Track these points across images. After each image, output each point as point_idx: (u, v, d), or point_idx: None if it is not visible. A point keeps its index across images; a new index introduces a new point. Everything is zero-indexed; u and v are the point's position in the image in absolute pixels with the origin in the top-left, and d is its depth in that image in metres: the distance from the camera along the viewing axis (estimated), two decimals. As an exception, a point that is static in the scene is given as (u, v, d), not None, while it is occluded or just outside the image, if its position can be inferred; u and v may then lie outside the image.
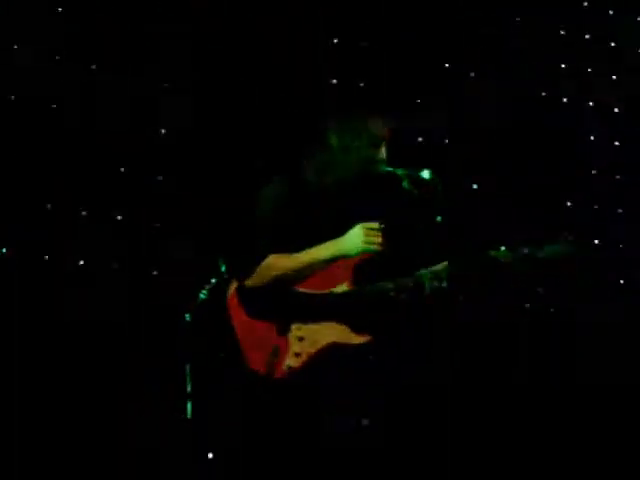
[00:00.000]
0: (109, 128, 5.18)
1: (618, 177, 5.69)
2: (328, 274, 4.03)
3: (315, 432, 3.98)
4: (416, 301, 4.00)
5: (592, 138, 5.73)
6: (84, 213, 5.16)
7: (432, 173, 4.00)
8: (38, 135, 5.11)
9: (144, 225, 5.24)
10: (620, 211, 5.65)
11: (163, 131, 5.27)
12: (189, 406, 4.57)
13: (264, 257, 4.00)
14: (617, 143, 5.71)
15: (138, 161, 5.22)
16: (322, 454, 3.98)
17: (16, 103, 5.08)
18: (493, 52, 5.60)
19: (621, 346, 5.36)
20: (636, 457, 5.12)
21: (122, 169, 5.20)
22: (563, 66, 5.69)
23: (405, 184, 4.04)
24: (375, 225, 4.02)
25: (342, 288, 4.04)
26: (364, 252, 4.00)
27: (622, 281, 5.60)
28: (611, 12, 5.60)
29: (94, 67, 5.15)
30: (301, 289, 4.04)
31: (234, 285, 4.12)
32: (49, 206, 5.14)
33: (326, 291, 4.04)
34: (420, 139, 5.54)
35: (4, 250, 5.06)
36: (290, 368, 3.98)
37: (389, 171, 4.08)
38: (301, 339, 4.00)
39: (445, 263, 4.01)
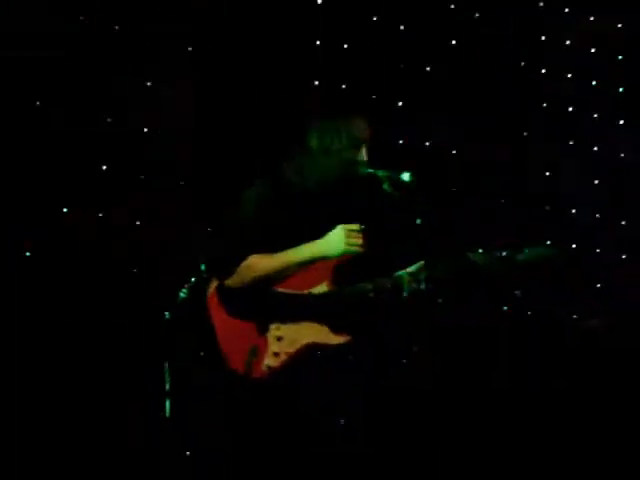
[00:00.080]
0: (91, 127, 5.19)
1: (597, 182, 5.74)
2: (308, 274, 4.04)
3: (294, 432, 3.99)
4: (395, 302, 4.02)
5: (573, 142, 5.77)
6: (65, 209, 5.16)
7: (412, 175, 4.00)
8: (31, 135, 5.11)
9: (125, 224, 5.24)
10: (598, 216, 5.69)
11: (145, 129, 5.27)
12: (167, 404, 4.57)
13: (245, 257, 4.00)
14: (596, 148, 5.75)
15: (123, 161, 5.22)
16: (301, 454, 3.99)
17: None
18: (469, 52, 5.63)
19: (600, 349, 5.39)
20: (615, 457, 5.16)
21: (104, 167, 5.20)
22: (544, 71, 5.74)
23: (385, 186, 4.04)
24: (355, 226, 4.02)
25: (321, 288, 4.05)
26: (345, 253, 4.01)
27: (599, 284, 5.64)
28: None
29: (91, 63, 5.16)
30: (281, 289, 4.05)
31: (214, 284, 4.12)
32: (36, 206, 5.14)
33: (305, 291, 4.05)
34: (401, 141, 5.56)
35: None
36: (269, 368, 3.98)
37: (370, 173, 4.08)
38: (280, 339, 4.01)
39: (422, 263, 4.02)
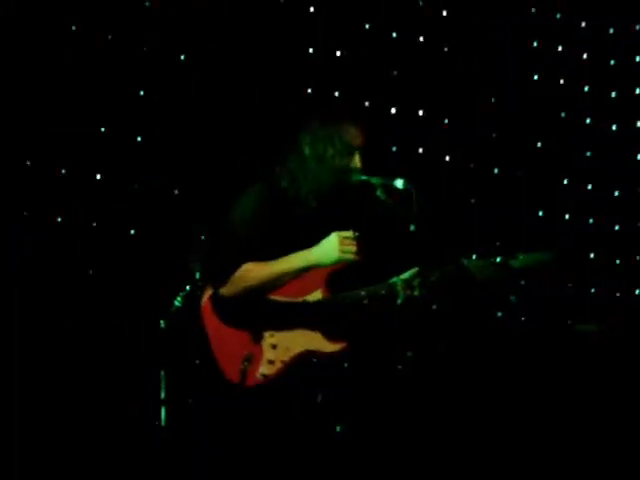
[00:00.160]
0: (88, 129, 5.19)
1: (590, 187, 5.75)
2: (302, 282, 4.03)
3: (289, 439, 3.99)
4: (389, 309, 4.01)
5: (568, 148, 5.78)
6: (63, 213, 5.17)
7: (406, 182, 3.99)
8: (32, 135, 5.12)
9: (119, 231, 5.24)
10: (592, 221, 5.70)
11: (140, 137, 5.27)
12: (163, 412, 4.57)
13: (239, 265, 4.00)
14: (589, 154, 5.76)
15: (120, 166, 5.22)
16: (296, 461, 3.99)
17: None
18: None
19: (595, 354, 5.40)
20: (612, 460, 5.16)
21: (101, 171, 5.20)
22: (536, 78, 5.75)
23: (379, 193, 4.03)
24: (349, 234, 4.01)
25: (316, 296, 4.04)
26: (339, 261, 4.00)
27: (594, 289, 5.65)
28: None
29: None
30: (275, 297, 4.05)
31: (208, 292, 4.12)
32: (35, 207, 5.15)
33: (300, 299, 4.04)
34: (394, 148, 5.57)
35: None
36: (264, 376, 3.98)
37: (363, 180, 4.07)
38: (274, 347, 4.00)
39: (416, 270, 4.01)
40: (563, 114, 5.80)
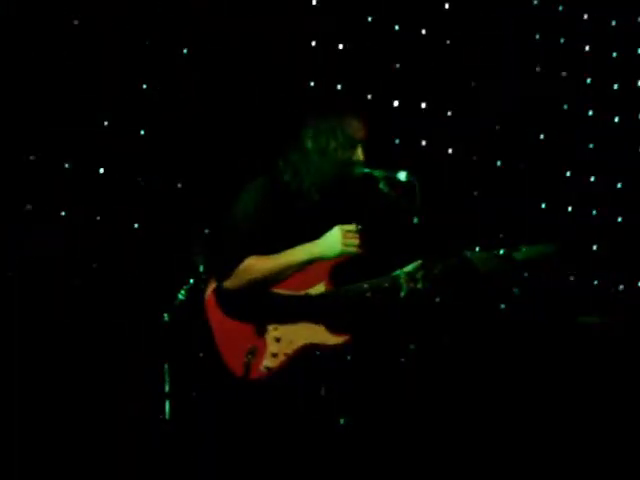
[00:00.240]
0: (90, 127, 5.19)
1: (593, 179, 5.74)
2: (305, 275, 4.04)
3: (292, 432, 3.99)
4: (392, 302, 4.02)
5: (571, 140, 5.78)
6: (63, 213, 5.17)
7: (409, 174, 4.00)
8: (32, 135, 5.12)
9: (122, 225, 5.24)
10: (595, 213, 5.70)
11: (142, 132, 5.27)
12: (167, 406, 4.58)
13: (242, 259, 4.01)
14: (592, 145, 5.76)
15: (122, 162, 5.23)
16: (299, 454, 3.99)
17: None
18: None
19: (598, 346, 5.40)
20: (615, 457, 5.16)
21: (103, 168, 5.21)
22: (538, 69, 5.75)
23: (382, 185, 4.04)
24: (352, 227, 4.02)
25: (319, 289, 4.05)
26: (342, 254, 4.01)
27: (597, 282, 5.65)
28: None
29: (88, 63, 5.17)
30: (278, 290, 4.05)
31: (212, 285, 4.12)
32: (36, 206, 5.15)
33: (303, 292, 4.05)
34: (397, 140, 5.57)
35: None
36: (268, 369, 3.98)
37: (366, 172, 4.07)
38: (278, 340, 4.01)
39: (419, 262, 4.02)
40: (565, 106, 5.79)
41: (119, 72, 5.18)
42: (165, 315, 4.68)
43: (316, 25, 5.44)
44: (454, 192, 5.63)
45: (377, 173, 4.05)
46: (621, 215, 5.78)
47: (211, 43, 5.30)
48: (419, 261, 4.03)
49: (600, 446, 5.16)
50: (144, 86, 5.25)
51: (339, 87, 5.46)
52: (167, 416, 4.59)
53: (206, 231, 5.20)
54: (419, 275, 3.99)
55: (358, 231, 4.02)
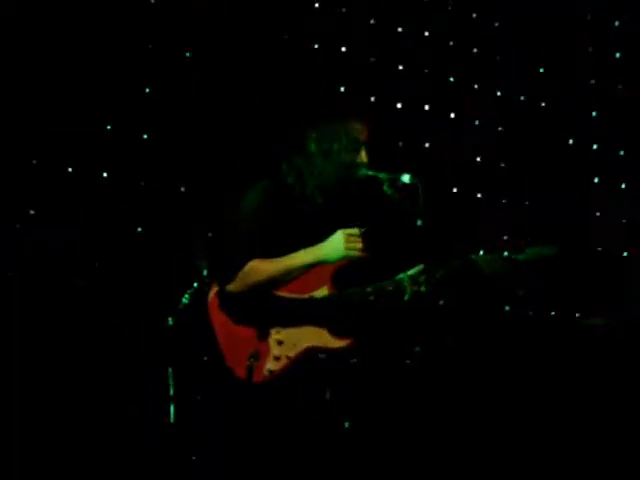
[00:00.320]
0: (91, 128, 5.19)
1: (597, 180, 5.73)
2: (308, 279, 4.03)
3: (295, 435, 3.99)
4: (396, 305, 4.01)
5: (573, 142, 5.77)
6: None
7: (412, 177, 3.99)
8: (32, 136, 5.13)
9: (126, 229, 5.24)
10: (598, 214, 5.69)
11: (146, 135, 5.28)
12: (172, 410, 4.58)
13: (246, 262, 4.00)
14: (595, 146, 5.74)
15: (126, 164, 5.23)
16: (302, 456, 3.99)
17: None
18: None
19: (602, 347, 5.39)
20: (616, 457, 5.16)
21: (106, 169, 5.21)
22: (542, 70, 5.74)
23: (386, 188, 4.04)
24: (355, 231, 4.02)
25: (322, 292, 4.04)
26: (345, 257, 4.01)
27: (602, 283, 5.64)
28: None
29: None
30: (281, 293, 4.05)
31: (215, 288, 4.12)
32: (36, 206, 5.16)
33: (306, 295, 4.05)
34: (401, 143, 5.56)
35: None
36: (270, 372, 3.98)
37: (370, 175, 4.07)
38: (280, 343, 4.00)
39: (422, 266, 4.01)
40: (569, 108, 5.78)
41: (121, 74, 5.18)
42: (169, 319, 4.68)
43: (319, 27, 5.44)
44: (458, 194, 5.63)
45: (381, 176, 4.04)
46: (624, 216, 5.77)
47: (214, 46, 5.30)
48: (422, 265, 4.02)
49: (607, 450, 5.15)
50: (147, 90, 5.25)
51: (342, 89, 5.46)
52: (172, 419, 4.59)
53: (209, 235, 5.20)
54: (422, 278, 3.98)
55: (361, 234, 4.01)
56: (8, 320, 5.01)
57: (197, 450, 4.80)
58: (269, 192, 4.10)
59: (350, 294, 4.05)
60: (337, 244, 3.99)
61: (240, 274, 4.00)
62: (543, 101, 5.73)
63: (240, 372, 3.96)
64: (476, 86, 5.69)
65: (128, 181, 5.23)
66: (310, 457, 3.98)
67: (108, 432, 5.08)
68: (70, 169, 5.18)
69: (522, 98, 5.71)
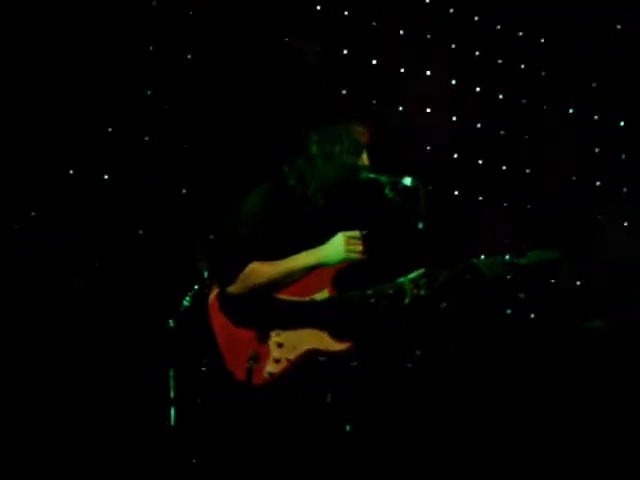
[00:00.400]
0: (92, 129, 5.20)
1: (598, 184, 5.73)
2: (309, 281, 4.03)
3: (295, 437, 3.98)
4: (396, 309, 4.00)
5: (574, 146, 5.76)
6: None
7: (414, 180, 3.99)
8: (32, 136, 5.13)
9: (127, 231, 5.24)
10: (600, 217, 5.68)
11: (148, 137, 5.28)
12: (172, 412, 4.57)
13: (246, 264, 4.00)
14: (597, 150, 5.74)
15: (127, 165, 5.23)
16: (302, 459, 3.98)
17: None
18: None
19: (603, 351, 5.39)
20: (616, 458, 5.16)
21: (107, 171, 5.21)
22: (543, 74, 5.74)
23: (387, 191, 4.03)
24: (356, 234, 4.01)
25: (323, 295, 4.04)
26: (345, 260, 4.00)
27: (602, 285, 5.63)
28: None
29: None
30: (282, 296, 4.04)
31: (215, 290, 4.11)
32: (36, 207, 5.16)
33: (307, 298, 4.04)
34: (402, 146, 5.56)
35: None
36: (270, 374, 3.97)
37: (371, 178, 4.06)
38: (280, 345, 3.99)
39: (422, 270, 4.01)
40: (571, 110, 5.78)
41: (122, 75, 5.19)
42: (170, 321, 4.68)
43: (321, 30, 5.44)
44: (459, 197, 5.63)
45: (382, 178, 4.04)
46: (625, 219, 5.76)
47: (215, 48, 5.30)
48: (422, 268, 4.02)
49: (608, 452, 5.15)
50: (148, 92, 5.25)
51: (344, 92, 5.46)
52: (172, 422, 4.59)
53: (210, 236, 5.20)
54: (423, 282, 3.98)
55: (362, 237, 4.01)
56: (8, 320, 5.01)
57: (197, 452, 4.79)
58: (270, 194, 4.10)
59: (351, 297, 4.04)
60: (338, 246, 3.99)
61: (241, 276, 3.99)
62: (545, 104, 5.73)
63: (240, 374, 3.96)
64: (478, 89, 5.69)
65: (129, 182, 5.23)
66: (311, 460, 3.98)
67: (108, 434, 5.08)
68: (71, 170, 5.18)
69: (524, 101, 5.71)
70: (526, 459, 5.19)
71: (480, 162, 5.69)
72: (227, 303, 4.05)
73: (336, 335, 4.01)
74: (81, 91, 5.16)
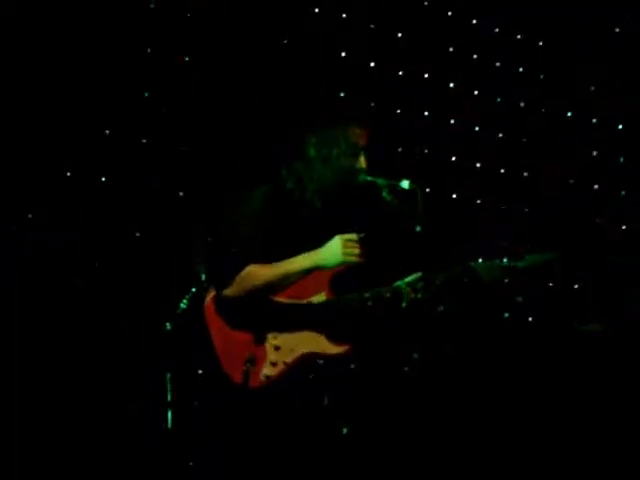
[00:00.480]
0: (91, 130, 5.20)
1: (596, 187, 5.73)
2: (306, 284, 4.02)
3: (292, 441, 3.98)
4: (393, 312, 4.00)
5: (572, 148, 5.76)
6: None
7: (412, 183, 3.99)
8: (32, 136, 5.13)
9: (124, 234, 5.24)
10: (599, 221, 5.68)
11: (146, 139, 5.28)
12: (170, 415, 4.57)
13: (243, 266, 3.99)
14: (595, 153, 5.74)
15: (125, 168, 5.23)
16: (299, 462, 3.98)
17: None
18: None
19: (601, 354, 5.39)
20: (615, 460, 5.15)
21: (104, 173, 5.21)
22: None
23: (385, 194, 4.03)
24: (353, 236, 4.01)
25: (320, 298, 4.04)
26: (342, 263, 3.99)
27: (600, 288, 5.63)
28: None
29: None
30: (278, 299, 4.03)
31: (212, 293, 4.10)
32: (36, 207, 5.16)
33: (304, 301, 4.03)
34: (400, 149, 5.56)
35: None
36: (267, 377, 3.97)
37: (369, 181, 4.06)
38: (277, 348, 3.99)
39: (419, 273, 4.00)
40: (569, 113, 5.77)
41: (121, 76, 5.19)
42: (167, 324, 4.67)
43: (319, 32, 5.44)
44: (457, 201, 5.62)
45: (380, 181, 4.05)
46: (623, 222, 5.76)
47: (214, 49, 5.30)
48: (419, 272, 4.01)
49: (609, 455, 5.15)
50: (146, 93, 5.25)
51: (342, 94, 5.46)
52: (169, 425, 4.58)
53: (208, 239, 5.19)
54: (420, 285, 3.98)
55: (359, 240, 4.00)
56: (8, 320, 5.01)
57: (194, 455, 4.79)
58: (268, 197, 4.10)
59: (348, 300, 4.04)
60: (335, 249, 3.98)
61: (237, 278, 3.99)
62: (543, 107, 5.73)
63: (237, 377, 3.95)
64: (476, 92, 5.69)
65: (128, 183, 5.23)
66: (308, 463, 3.97)
67: (105, 437, 5.07)
68: (71, 170, 5.18)
69: (522, 104, 5.71)
70: (525, 462, 5.18)
71: (478, 165, 5.69)
72: (224, 306, 4.04)
73: (333, 338, 4.01)
74: (80, 92, 5.15)
